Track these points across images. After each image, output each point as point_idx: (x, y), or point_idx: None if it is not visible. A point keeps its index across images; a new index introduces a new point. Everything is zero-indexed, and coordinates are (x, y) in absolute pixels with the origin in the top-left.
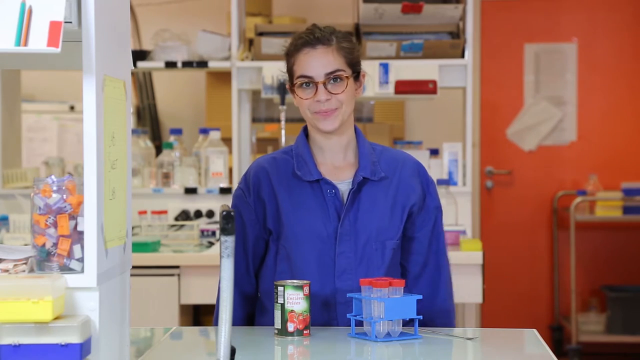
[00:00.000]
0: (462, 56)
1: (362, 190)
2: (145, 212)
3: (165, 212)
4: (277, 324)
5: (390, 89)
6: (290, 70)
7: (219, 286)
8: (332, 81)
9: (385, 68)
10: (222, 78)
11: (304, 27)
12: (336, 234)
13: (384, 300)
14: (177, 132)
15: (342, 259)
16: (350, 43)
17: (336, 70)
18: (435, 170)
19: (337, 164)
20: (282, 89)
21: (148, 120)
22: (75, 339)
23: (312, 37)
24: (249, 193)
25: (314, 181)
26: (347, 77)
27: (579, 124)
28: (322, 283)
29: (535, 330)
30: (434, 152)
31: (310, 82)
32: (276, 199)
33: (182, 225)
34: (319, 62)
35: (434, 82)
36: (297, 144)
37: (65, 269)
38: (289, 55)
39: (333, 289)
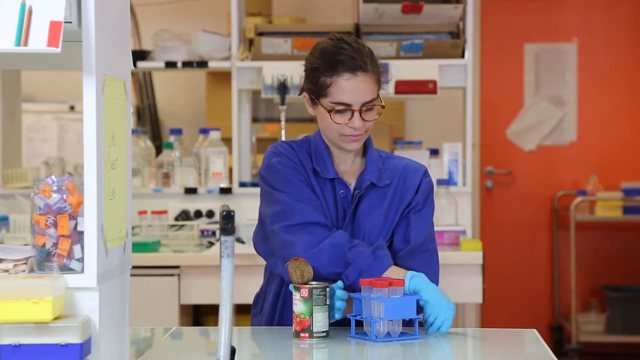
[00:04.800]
0: (462, 56)
1: (366, 194)
2: (145, 212)
3: (165, 212)
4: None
5: (390, 89)
6: (321, 87)
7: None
8: (366, 110)
9: (385, 68)
10: (222, 78)
11: (305, 27)
12: None
13: (384, 300)
14: (177, 132)
15: None
16: (377, 64)
17: (373, 100)
18: (435, 170)
19: (344, 169)
20: (282, 89)
21: (148, 120)
22: (75, 339)
23: (350, 59)
24: (294, 162)
25: (329, 179)
26: (381, 106)
27: (579, 124)
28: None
29: (535, 330)
30: (434, 152)
31: (347, 109)
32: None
33: (182, 225)
34: (358, 90)
35: (434, 82)
36: (316, 140)
37: (65, 269)
38: (323, 74)
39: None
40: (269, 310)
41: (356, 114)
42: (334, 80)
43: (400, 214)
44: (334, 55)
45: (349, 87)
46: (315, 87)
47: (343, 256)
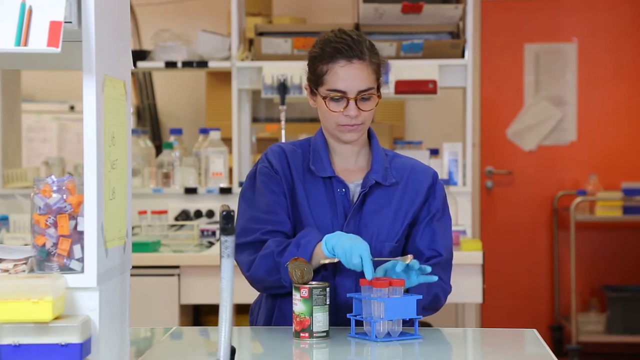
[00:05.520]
0: (462, 56)
1: (371, 193)
2: (145, 212)
3: (165, 212)
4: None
5: (391, 89)
6: (318, 76)
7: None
8: (362, 99)
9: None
10: (222, 78)
11: (305, 27)
12: None
13: (384, 300)
14: (177, 132)
15: None
16: (378, 56)
17: (369, 89)
18: (435, 170)
19: (347, 167)
20: (282, 89)
21: (148, 120)
22: (75, 339)
23: (347, 47)
24: (275, 170)
25: (326, 178)
26: (378, 96)
27: (579, 124)
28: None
29: (535, 330)
30: (434, 152)
31: (342, 97)
32: (294, 188)
33: (182, 225)
34: (354, 77)
35: (434, 82)
36: (315, 139)
37: (65, 269)
38: (321, 62)
39: (332, 287)
40: (264, 323)
41: (351, 102)
42: (329, 67)
43: (411, 216)
44: (332, 43)
45: (344, 75)
46: (313, 76)
47: (274, 262)
